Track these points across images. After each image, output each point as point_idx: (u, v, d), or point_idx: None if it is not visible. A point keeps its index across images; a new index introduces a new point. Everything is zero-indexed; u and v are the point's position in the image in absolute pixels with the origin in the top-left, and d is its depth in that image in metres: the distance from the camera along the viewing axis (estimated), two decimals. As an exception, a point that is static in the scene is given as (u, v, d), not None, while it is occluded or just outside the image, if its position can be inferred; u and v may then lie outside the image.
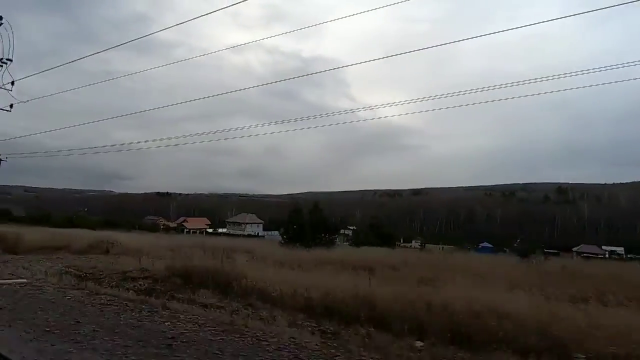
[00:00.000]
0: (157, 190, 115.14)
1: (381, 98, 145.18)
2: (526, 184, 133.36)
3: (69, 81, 40.09)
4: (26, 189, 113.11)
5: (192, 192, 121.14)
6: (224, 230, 73.53)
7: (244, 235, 56.84)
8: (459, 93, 10.52)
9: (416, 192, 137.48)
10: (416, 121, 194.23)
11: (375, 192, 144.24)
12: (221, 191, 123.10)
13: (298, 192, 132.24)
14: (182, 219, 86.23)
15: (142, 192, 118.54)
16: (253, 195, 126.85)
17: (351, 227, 62.43)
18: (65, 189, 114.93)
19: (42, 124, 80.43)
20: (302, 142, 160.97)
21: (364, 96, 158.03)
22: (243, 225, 74.92)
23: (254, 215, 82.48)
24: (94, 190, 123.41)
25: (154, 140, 61.18)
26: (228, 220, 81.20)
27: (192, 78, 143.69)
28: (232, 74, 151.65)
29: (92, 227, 38.56)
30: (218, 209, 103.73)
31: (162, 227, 65.44)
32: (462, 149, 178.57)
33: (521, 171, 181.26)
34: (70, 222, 42.62)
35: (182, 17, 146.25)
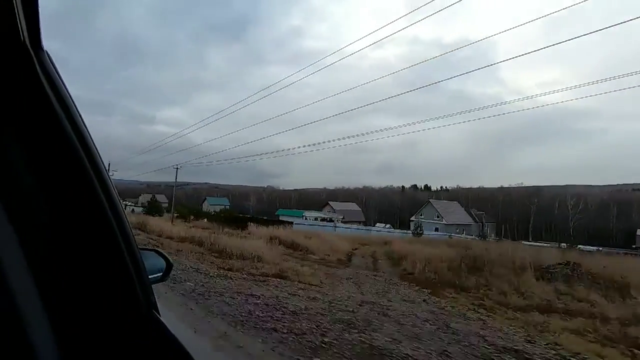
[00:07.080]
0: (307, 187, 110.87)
1: (538, 77, 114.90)
2: None
3: (240, 95, 44.69)
4: (213, 185, 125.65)
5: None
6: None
7: None
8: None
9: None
10: (587, 102, 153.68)
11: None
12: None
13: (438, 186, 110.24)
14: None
15: (292, 188, 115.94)
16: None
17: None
18: (238, 185, 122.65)
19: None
20: (443, 134, 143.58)
21: (517, 78, 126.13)
22: None
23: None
24: (257, 187, 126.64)
25: (305, 145, 57.06)
26: None
27: (338, 81, 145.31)
28: (370, 73, 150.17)
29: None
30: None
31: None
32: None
33: None
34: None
35: (331, 25, 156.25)
